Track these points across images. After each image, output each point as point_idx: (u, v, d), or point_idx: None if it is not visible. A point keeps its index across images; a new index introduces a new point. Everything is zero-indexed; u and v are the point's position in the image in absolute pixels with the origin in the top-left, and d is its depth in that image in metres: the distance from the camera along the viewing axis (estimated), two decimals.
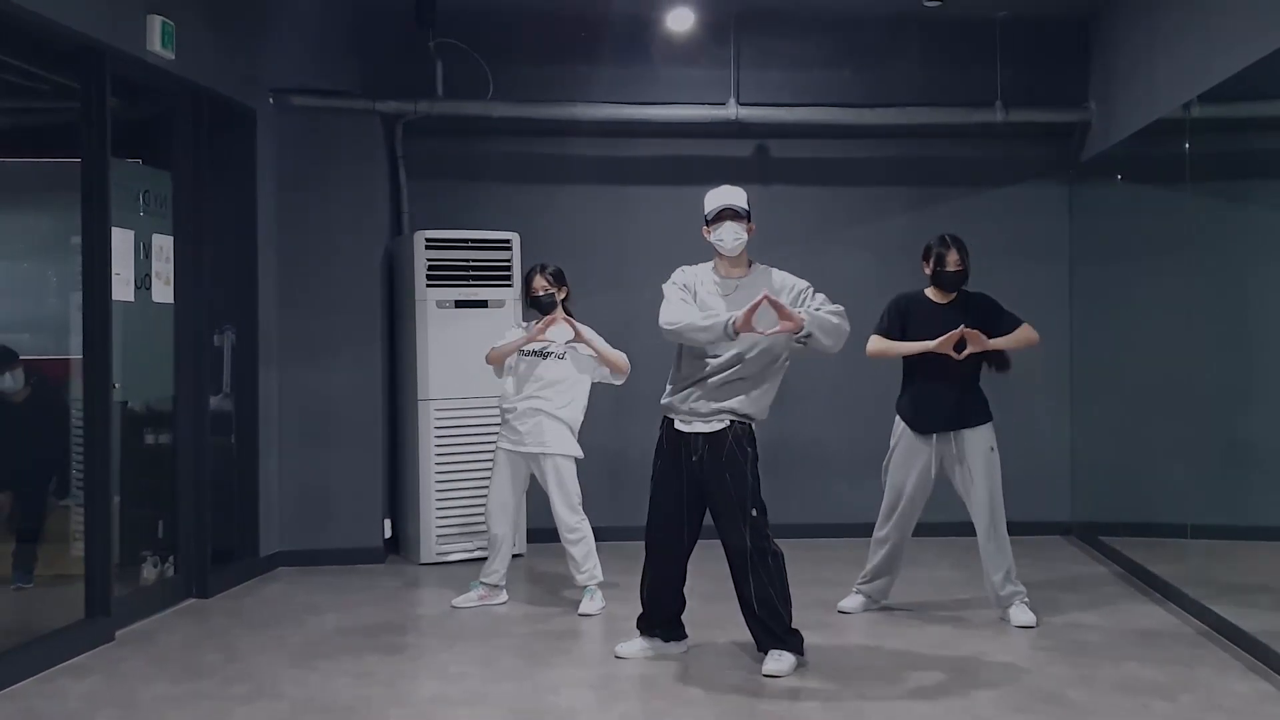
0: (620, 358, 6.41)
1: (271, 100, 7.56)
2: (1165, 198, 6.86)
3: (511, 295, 7.80)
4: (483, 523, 6.78)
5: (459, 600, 6.56)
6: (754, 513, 5.25)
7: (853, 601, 6.42)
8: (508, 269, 7.82)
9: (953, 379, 6.06)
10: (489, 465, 7.21)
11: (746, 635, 5.45)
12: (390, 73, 8.16)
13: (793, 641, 5.33)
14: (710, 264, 5.50)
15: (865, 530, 7.53)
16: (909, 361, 6.21)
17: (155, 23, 6.15)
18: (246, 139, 7.34)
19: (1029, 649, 5.64)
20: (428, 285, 7.66)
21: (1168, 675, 5.20)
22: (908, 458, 6.19)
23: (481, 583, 6.58)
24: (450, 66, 8.10)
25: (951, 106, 8.26)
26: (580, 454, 6.50)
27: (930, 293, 6.27)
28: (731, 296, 5.33)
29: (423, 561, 7.66)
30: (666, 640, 5.56)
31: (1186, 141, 6.44)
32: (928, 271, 6.29)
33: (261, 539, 7.45)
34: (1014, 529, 8.05)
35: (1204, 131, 6.32)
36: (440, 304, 7.67)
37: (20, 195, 6.87)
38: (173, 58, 6.32)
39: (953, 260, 6.15)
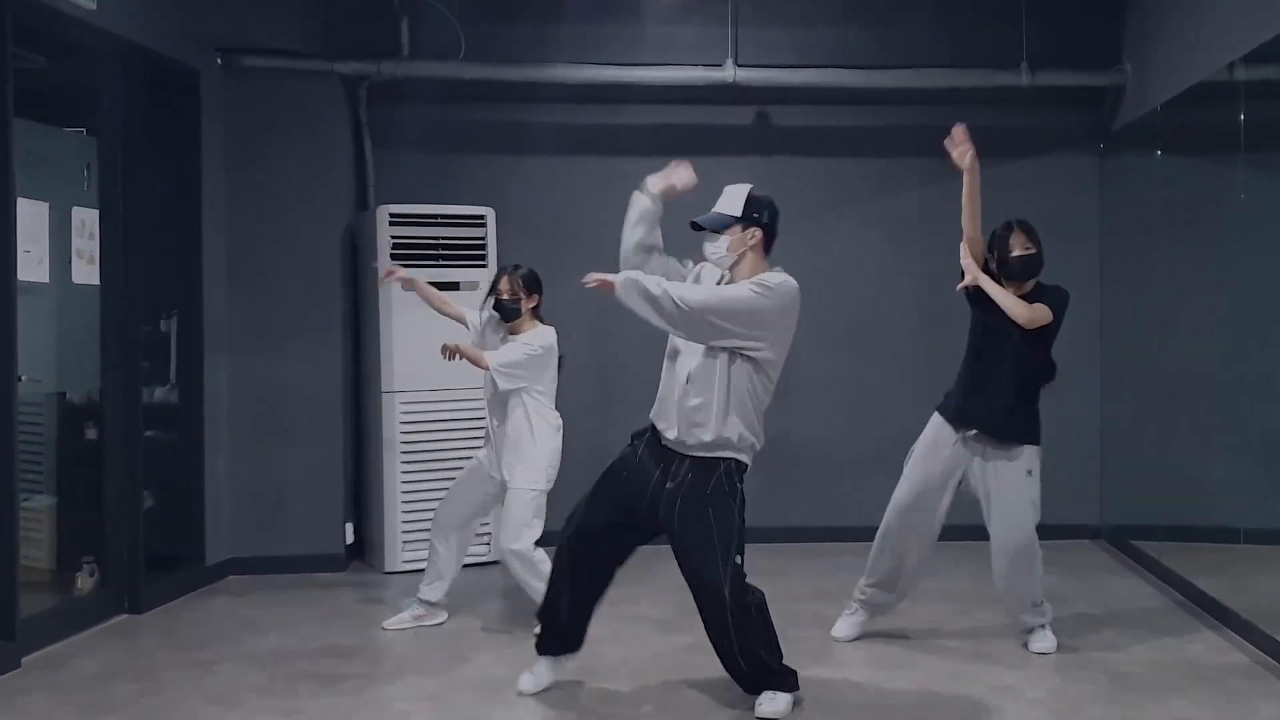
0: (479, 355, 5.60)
1: (219, 60, 6.95)
2: (1207, 169, 6.36)
3: (485, 276, 7.16)
4: None
5: (390, 622, 5.89)
6: (738, 559, 4.50)
7: (846, 625, 5.66)
8: (481, 247, 7.26)
9: (1004, 383, 5.32)
10: (459, 464, 6.54)
11: None
12: (351, 31, 7.51)
13: (785, 682, 4.63)
14: None
15: (873, 534, 6.95)
16: (969, 350, 5.48)
17: None
18: (189, 103, 6.73)
19: (1061, 682, 4.97)
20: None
21: (1222, 717, 4.52)
22: (932, 451, 5.46)
23: (420, 600, 5.90)
24: (418, 24, 7.50)
25: (971, 69, 7.65)
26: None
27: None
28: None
29: (388, 570, 7.07)
30: (568, 654, 4.89)
31: (1236, 107, 5.88)
32: (993, 265, 5.48)
33: (209, 546, 6.86)
34: (1037, 531, 7.50)
35: (1253, 96, 5.76)
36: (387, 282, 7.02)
37: None
38: (94, 8, 5.66)
39: (1019, 243, 5.37)
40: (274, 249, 7.06)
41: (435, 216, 7.17)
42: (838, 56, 7.71)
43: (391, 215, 7.06)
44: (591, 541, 4.66)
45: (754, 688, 4.63)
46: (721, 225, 4.58)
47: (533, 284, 5.75)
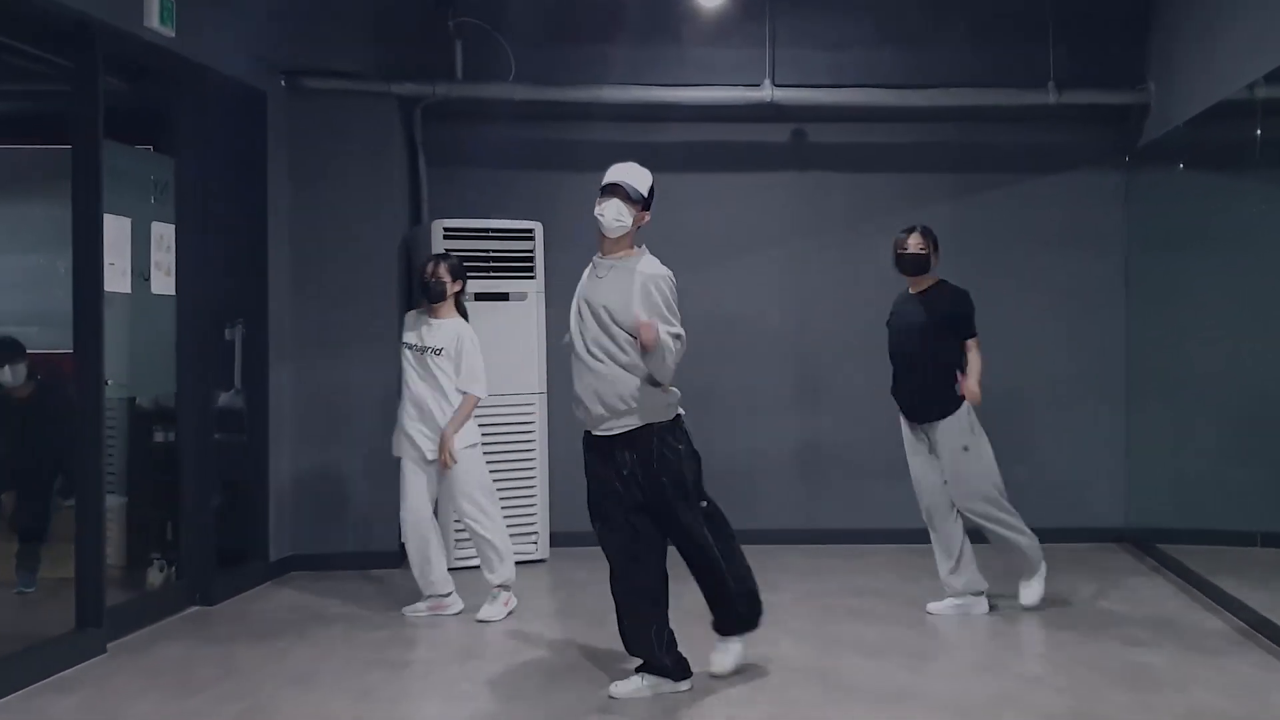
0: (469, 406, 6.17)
1: (283, 82, 7.30)
2: (1229, 185, 6.55)
3: (534, 288, 7.51)
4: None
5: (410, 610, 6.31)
6: (704, 504, 4.99)
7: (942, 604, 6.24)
8: (530, 260, 7.53)
9: (916, 370, 6.14)
10: (509, 465, 6.93)
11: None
12: (408, 54, 7.84)
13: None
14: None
15: (905, 536, 7.20)
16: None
17: None
18: (256, 123, 7.09)
19: (1086, 672, 5.22)
20: None
21: (1239, 705, 4.78)
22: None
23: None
24: (470, 47, 7.81)
25: (1000, 88, 7.87)
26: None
27: (909, 284, 6.33)
28: (603, 280, 4.94)
29: None
30: (679, 679, 5.00)
31: (1253, 125, 6.10)
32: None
33: (272, 542, 7.19)
34: (1064, 535, 7.82)
35: (1270, 114, 5.96)
36: None
37: (24, 184, 6.65)
38: (173, 35, 6.03)
39: (913, 243, 6.17)
40: (334, 261, 7.39)
41: (486, 230, 7.46)
42: (871, 76, 7.96)
43: (446, 229, 7.36)
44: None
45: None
46: (636, 197, 4.94)
47: (458, 271, 6.20)
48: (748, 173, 8.19)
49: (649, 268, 4.91)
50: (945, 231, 7.98)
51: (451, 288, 6.18)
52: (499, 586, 6.19)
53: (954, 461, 6.03)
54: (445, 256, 6.33)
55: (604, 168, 8.03)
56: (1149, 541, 7.64)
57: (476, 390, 6.10)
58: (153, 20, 5.84)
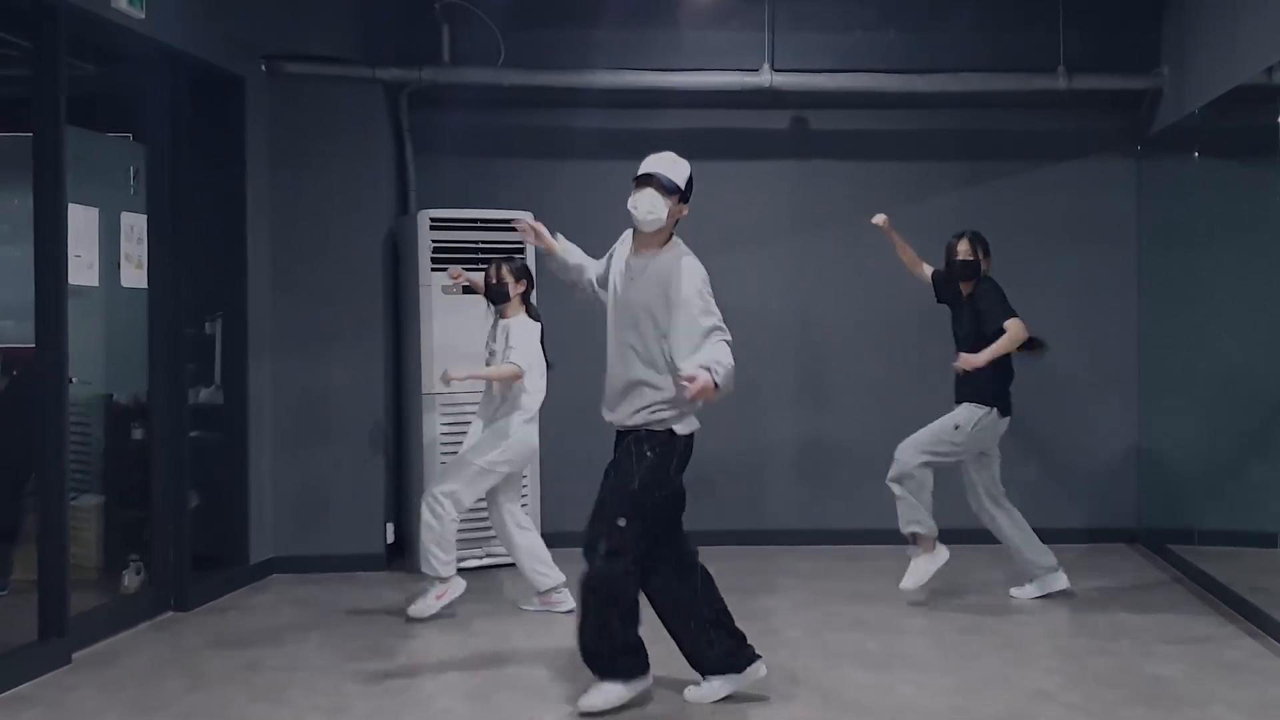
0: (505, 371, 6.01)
1: (263, 67, 7.06)
2: (1246, 174, 6.36)
3: None
4: (490, 527, 6.35)
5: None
6: (620, 522, 4.62)
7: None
8: (520, 251, 7.24)
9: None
10: None
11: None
12: (393, 38, 7.62)
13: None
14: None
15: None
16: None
17: None
18: (234, 109, 6.84)
19: (1098, 686, 4.97)
20: (433, 269, 7.12)
21: None
22: None
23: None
24: (458, 31, 7.59)
25: (1008, 72, 7.65)
26: None
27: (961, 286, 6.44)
28: (636, 281, 4.69)
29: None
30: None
31: (1274, 111, 5.89)
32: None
33: (252, 545, 6.96)
34: (1074, 535, 7.60)
35: None
36: (446, 289, 7.13)
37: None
38: (142, 17, 5.76)
39: (962, 249, 6.31)
40: (317, 253, 7.16)
41: (475, 220, 7.22)
42: (875, 61, 7.72)
43: (432, 220, 7.13)
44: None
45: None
46: (672, 188, 4.65)
47: (521, 272, 6.15)
48: (746, 161, 7.96)
49: (681, 260, 4.68)
50: (950, 222, 7.76)
51: (515, 288, 6.12)
52: (435, 579, 6.06)
53: (938, 424, 6.23)
54: (508, 259, 6.27)
55: (597, 155, 7.94)
56: (1162, 542, 7.43)
57: (516, 361, 5.95)
58: (120, 0, 5.58)
